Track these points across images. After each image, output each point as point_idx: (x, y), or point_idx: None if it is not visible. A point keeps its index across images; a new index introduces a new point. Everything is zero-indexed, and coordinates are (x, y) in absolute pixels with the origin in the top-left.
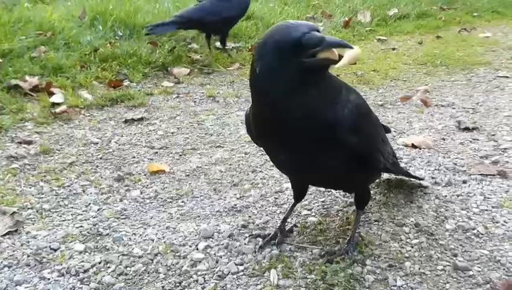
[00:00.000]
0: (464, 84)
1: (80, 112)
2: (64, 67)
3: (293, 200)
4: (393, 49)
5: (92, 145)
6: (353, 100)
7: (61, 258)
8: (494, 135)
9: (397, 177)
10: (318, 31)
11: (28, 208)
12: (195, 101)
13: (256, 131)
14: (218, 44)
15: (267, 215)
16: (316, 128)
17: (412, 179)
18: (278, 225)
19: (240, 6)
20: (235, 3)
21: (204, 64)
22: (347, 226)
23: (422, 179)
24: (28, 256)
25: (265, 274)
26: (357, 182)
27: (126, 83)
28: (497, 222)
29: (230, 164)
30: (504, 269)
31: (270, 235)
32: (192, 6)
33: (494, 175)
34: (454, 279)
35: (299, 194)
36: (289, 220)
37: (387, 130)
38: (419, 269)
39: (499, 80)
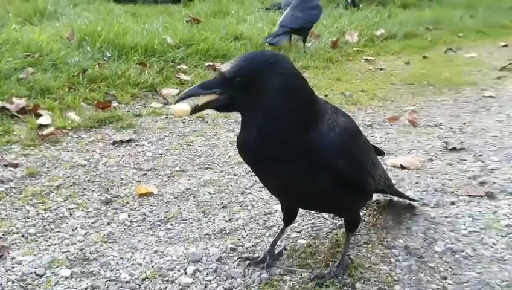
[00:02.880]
0: (451, 105)
1: (67, 134)
2: (52, 89)
3: (282, 223)
4: (381, 69)
5: (80, 167)
6: (341, 123)
7: (47, 284)
8: (481, 155)
9: (386, 198)
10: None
11: (14, 233)
12: (183, 122)
13: (242, 158)
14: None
15: (256, 238)
16: (299, 154)
17: (401, 200)
18: (268, 248)
19: (320, 12)
20: (318, 10)
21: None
22: (337, 249)
23: (416, 201)
24: (13, 282)
25: None
26: (347, 206)
27: (114, 104)
28: (485, 244)
29: (219, 186)
30: None
31: (260, 258)
32: (289, 17)
33: (482, 196)
34: None
35: (288, 217)
36: (278, 243)
37: (381, 153)
38: None
39: (485, 100)
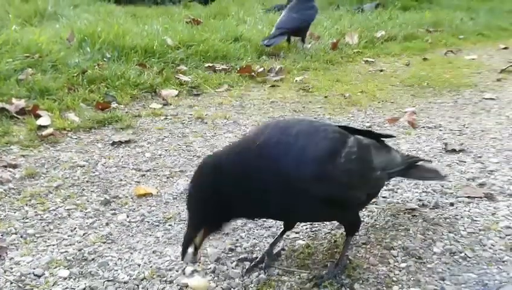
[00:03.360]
0: (451, 106)
1: (66, 135)
2: (52, 90)
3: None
4: (381, 70)
5: (79, 168)
6: (316, 143)
7: (45, 284)
8: (480, 157)
9: (386, 200)
10: None
11: (12, 233)
12: (183, 123)
13: None
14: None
15: (254, 238)
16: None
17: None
18: (266, 248)
19: (316, 12)
20: (313, 10)
21: (193, 86)
22: (335, 249)
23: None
24: (11, 283)
25: None
26: (343, 216)
27: (114, 105)
28: (484, 245)
29: None
30: None
31: (258, 259)
32: (284, 18)
33: (481, 197)
34: None
35: (289, 225)
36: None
37: (389, 136)
38: None
39: (485, 102)
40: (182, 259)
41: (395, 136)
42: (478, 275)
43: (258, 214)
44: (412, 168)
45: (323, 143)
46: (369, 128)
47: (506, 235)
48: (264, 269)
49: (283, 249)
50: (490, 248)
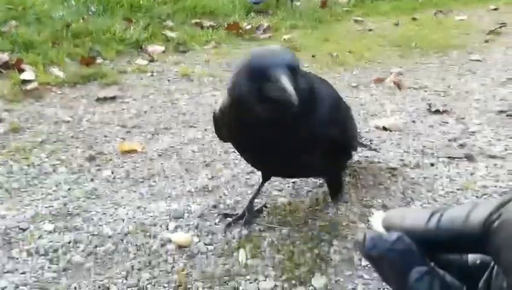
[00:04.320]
0: (437, 67)
1: (51, 90)
2: (36, 43)
3: (260, 180)
4: (370, 30)
5: (63, 123)
6: (325, 94)
7: (30, 238)
8: (463, 118)
9: (367, 159)
10: None
11: None
12: (169, 80)
13: (228, 133)
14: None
15: (237, 195)
16: (297, 131)
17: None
18: (246, 204)
19: None
20: None
21: (180, 42)
22: (316, 207)
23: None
24: None
25: (234, 254)
26: (331, 171)
27: (99, 60)
28: (461, 203)
29: (203, 144)
30: None
31: (238, 215)
32: None
33: (461, 158)
34: None
35: (267, 176)
36: (258, 200)
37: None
38: None
39: (471, 64)
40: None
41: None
42: None
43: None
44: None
45: (331, 90)
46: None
47: (483, 195)
48: (244, 225)
49: (265, 206)
50: None
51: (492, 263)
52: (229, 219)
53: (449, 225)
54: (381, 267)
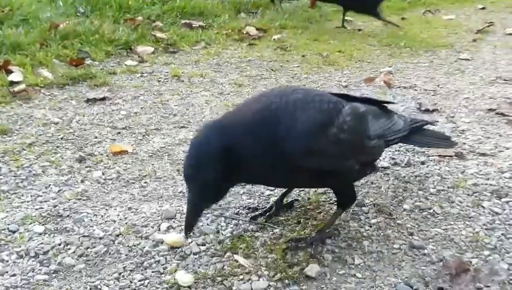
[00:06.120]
0: (427, 66)
1: (39, 91)
2: (23, 45)
3: None
4: (359, 30)
5: (53, 125)
6: (307, 116)
7: (20, 240)
8: (453, 116)
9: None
10: None
11: None
12: (159, 81)
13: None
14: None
15: (229, 195)
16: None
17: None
18: (276, 198)
19: None
20: None
21: (169, 43)
22: (308, 207)
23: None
24: None
25: (226, 254)
26: (335, 186)
27: (88, 61)
28: (452, 202)
29: None
30: (457, 247)
31: (265, 209)
32: None
33: (451, 156)
34: (410, 257)
35: None
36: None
37: (388, 102)
38: (376, 247)
39: (460, 63)
40: (187, 236)
41: (395, 103)
42: (445, 230)
43: (256, 180)
44: (416, 133)
45: (314, 116)
46: (367, 96)
47: (474, 193)
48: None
49: (296, 200)
50: (458, 205)
51: None
52: (222, 219)
53: None
54: None
